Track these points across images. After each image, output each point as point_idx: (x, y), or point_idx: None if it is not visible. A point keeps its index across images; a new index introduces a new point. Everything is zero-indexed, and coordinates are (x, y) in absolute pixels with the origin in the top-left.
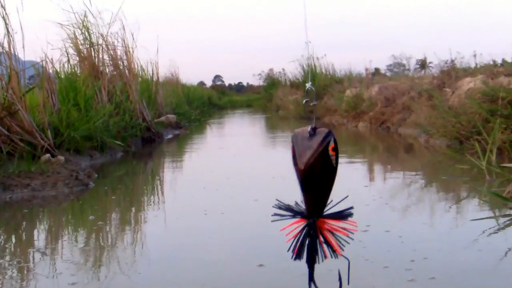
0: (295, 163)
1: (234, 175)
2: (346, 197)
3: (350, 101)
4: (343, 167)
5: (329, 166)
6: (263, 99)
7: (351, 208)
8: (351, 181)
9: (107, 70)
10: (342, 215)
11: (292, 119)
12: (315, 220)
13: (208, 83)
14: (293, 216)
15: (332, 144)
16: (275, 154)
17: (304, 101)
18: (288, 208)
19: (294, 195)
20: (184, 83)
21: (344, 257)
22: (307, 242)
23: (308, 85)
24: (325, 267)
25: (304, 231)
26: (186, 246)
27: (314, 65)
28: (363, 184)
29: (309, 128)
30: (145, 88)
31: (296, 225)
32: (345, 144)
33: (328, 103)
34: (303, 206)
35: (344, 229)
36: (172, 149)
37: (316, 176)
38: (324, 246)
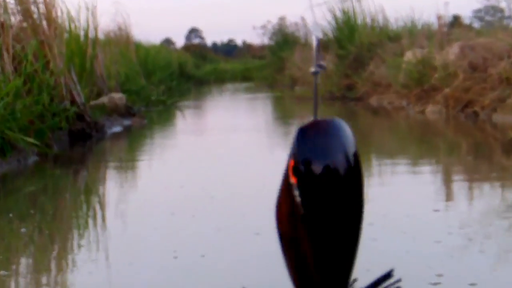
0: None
1: (221, 193)
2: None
3: (413, 71)
4: (401, 180)
5: None
6: (270, 67)
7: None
8: (414, 202)
9: (12, 20)
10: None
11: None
12: None
13: (179, 41)
14: None
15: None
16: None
17: (312, 69)
18: None
19: None
20: (139, 41)
21: None
22: None
23: (314, 29)
24: None
25: None
26: None
27: (354, 11)
28: (433, 207)
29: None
30: (76, 50)
31: None
32: (404, 141)
33: (376, 73)
34: None
35: None
36: (120, 151)
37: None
38: None
